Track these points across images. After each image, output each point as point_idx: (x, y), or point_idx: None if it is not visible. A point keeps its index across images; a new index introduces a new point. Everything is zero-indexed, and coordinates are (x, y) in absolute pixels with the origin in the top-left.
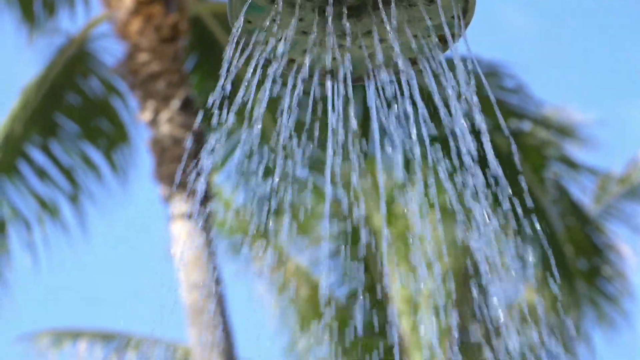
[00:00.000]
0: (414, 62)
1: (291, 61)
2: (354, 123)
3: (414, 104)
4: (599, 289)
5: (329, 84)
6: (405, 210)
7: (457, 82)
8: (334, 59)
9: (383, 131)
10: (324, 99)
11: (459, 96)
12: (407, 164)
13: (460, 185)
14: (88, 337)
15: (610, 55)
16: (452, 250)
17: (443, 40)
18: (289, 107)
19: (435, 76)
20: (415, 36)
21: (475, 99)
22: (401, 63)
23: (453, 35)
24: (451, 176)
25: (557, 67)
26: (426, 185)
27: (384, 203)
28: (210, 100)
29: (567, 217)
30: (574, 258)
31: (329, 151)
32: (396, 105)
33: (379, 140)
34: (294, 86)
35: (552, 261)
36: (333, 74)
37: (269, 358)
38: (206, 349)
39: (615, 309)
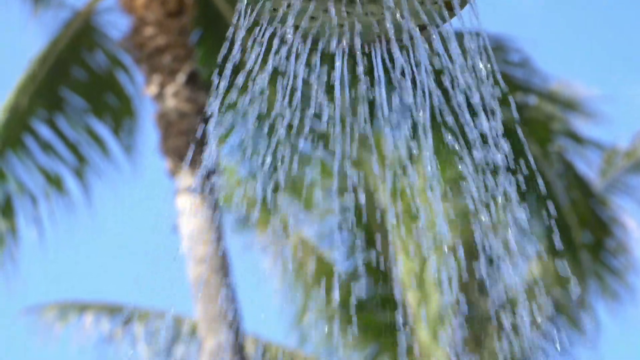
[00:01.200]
0: (422, 28)
1: (296, 28)
2: (360, 93)
3: (415, 74)
4: (604, 263)
5: (335, 52)
6: (411, 184)
7: (464, 53)
8: (341, 25)
9: (390, 103)
10: (329, 70)
11: (466, 68)
12: (414, 137)
13: (467, 159)
14: (94, 310)
15: (617, 31)
16: (458, 224)
17: (449, 7)
18: (294, 76)
19: (443, 43)
20: (421, 2)
21: (483, 72)
22: (409, 28)
23: (460, 2)
24: (455, 153)
25: (563, 42)
26: (434, 159)
27: (391, 176)
28: (215, 73)
29: (572, 191)
30: (578, 231)
31: (337, 120)
32: (402, 75)
33: (386, 112)
34: (299, 55)
35: (557, 234)
36: (339, 41)
37: (274, 331)
38: (212, 322)
39: (620, 282)
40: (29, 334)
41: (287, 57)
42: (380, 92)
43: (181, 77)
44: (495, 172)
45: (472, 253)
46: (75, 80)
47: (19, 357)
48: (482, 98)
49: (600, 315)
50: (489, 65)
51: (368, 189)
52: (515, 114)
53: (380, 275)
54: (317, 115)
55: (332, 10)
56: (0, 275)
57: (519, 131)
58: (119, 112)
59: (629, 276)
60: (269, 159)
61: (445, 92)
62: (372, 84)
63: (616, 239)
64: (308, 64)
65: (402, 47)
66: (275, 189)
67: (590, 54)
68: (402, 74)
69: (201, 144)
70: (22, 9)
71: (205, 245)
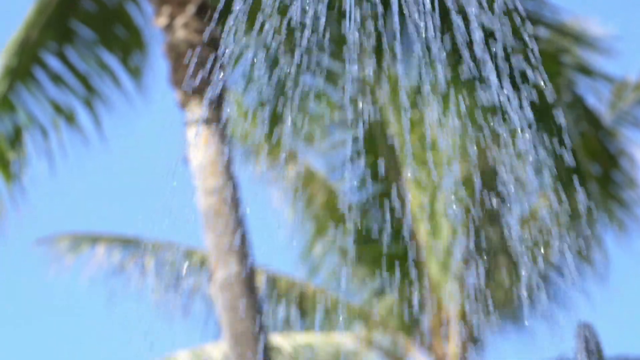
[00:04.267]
0: None
1: None
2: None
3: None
4: (612, 195)
5: None
6: (424, 116)
7: None
8: None
9: (403, 34)
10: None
11: None
12: (428, 68)
13: (479, 91)
14: (106, 242)
15: None
16: (468, 155)
17: None
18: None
19: None
20: None
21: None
22: None
23: None
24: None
25: None
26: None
27: (405, 103)
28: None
29: (581, 123)
30: (587, 164)
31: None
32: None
33: (399, 42)
34: None
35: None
36: None
37: (283, 264)
38: (222, 254)
39: (628, 214)
40: (41, 265)
41: None
42: (392, 23)
43: (191, 9)
44: (506, 106)
45: (483, 185)
46: (85, 12)
47: (31, 288)
48: (490, 34)
49: (608, 247)
50: None
51: (380, 121)
52: (530, 44)
53: (391, 207)
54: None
55: None
56: (11, 207)
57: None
58: (128, 43)
59: (638, 208)
60: (277, 91)
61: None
62: (385, 14)
63: (625, 171)
64: None
65: None
66: (284, 121)
67: None
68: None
69: (211, 75)
70: None
71: (215, 177)
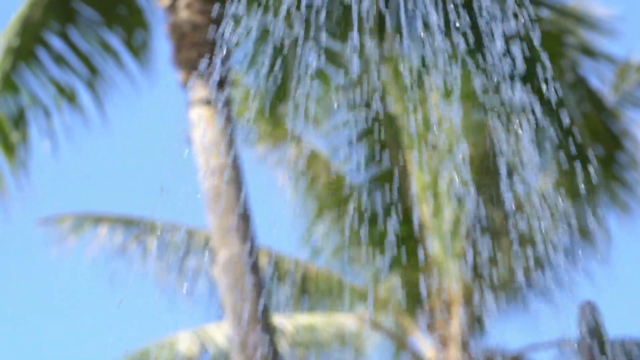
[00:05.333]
0: None
1: None
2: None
3: None
4: (615, 176)
5: None
6: (427, 96)
7: None
8: None
9: (406, 12)
10: None
11: None
12: (430, 47)
13: (482, 70)
14: (109, 222)
15: None
16: (472, 135)
17: None
18: None
19: None
20: None
21: None
22: None
23: None
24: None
25: None
26: (448, 71)
27: (406, 88)
28: None
29: (584, 104)
30: (590, 145)
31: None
32: None
33: (403, 23)
34: None
35: (569, 147)
36: None
37: (286, 245)
38: (225, 234)
39: (631, 195)
40: (44, 245)
41: None
42: (395, 2)
43: None
44: (511, 81)
45: (486, 165)
46: None
47: (33, 267)
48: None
49: (611, 228)
50: None
51: (382, 102)
52: (530, 24)
53: (393, 187)
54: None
55: None
56: (14, 187)
57: (535, 41)
58: (131, 24)
59: None
60: (280, 73)
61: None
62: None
63: (627, 152)
64: None
65: None
66: (287, 102)
67: None
68: None
69: (214, 55)
70: None
71: (218, 157)
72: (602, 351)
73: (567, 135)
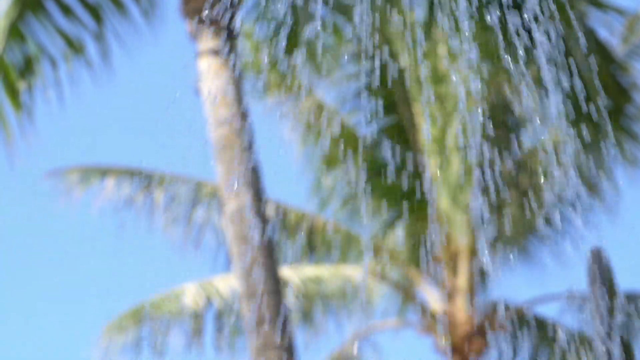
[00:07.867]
0: None
1: None
2: None
3: None
4: (623, 128)
5: None
6: (435, 47)
7: None
8: None
9: None
10: None
11: None
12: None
13: (492, 22)
14: (116, 174)
15: None
16: (480, 87)
17: None
18: None
19: None
20: None
21: None
22: None
23: None
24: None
25: None
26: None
27: (413, 40)
28: None
29: (593, 57)
30: (598, 96)
31: None
32: None
33: None
34: None
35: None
36: None
37: (294, 196)
38: (233, 185)
39: (639, 147)
40: (51, 197)
41: None
42: None
43: None
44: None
45: (493, 117)
46: None
47: (41, 220)
48: None
49: (619, 181)
50: None
51: (391, 53)
52: None
53: (401, 140)
54: None
55: None
56: (20, 137)
57: None
58: None
59: None
60: (289, 23)
61: None
62: None
63: (636, 104)
64: None
65: None
66: (294, 53)
67: None
68: None
69: (223, 5)
70: None
71: (226, 108)
72: (612, 294)
73: (574, 88)
